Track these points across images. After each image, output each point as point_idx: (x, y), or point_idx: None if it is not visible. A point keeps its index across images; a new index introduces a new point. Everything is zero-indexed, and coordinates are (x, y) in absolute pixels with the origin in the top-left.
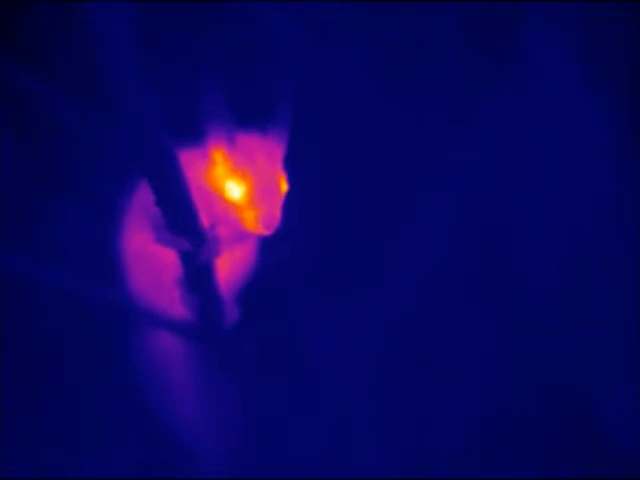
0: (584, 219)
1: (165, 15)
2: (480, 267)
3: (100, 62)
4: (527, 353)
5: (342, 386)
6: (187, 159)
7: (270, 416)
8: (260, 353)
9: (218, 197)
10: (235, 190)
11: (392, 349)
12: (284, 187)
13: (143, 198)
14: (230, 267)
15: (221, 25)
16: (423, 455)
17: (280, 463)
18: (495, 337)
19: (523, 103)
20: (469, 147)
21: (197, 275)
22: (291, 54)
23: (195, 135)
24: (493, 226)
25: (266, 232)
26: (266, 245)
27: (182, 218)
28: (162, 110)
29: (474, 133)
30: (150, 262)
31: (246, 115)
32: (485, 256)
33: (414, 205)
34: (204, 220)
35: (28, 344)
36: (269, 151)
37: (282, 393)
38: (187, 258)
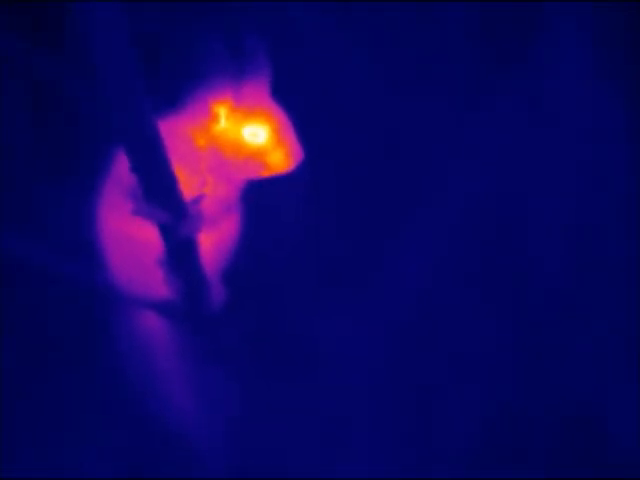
0: (594, 220)
1: None
2: (486, 266)
3: (78, 21)
4: (529, 353)
5: (336, 373)
6: (181, 120)
7: (262, 402)
8: (249, 337)
9: (232, 150)
10: (259, 134)
11: (393, 336)
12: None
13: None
14: (216, 245)
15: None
16: (424, 455)
17: (271, 454)
18: (499, 336)
19: (533, 102)
20: (478, 145)
21: (179, 252)
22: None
23: (188, 95)
24: (501, 225)
25: (293, 168)
26: (257, 223)
27: (159, 186)
28: (146, 72)
29: (483, 132)
30: (133, 241)
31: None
32: (491, 255)
33: (421, 201)
34: (211, 182)
35: (12, 331)
36: (264, 93)
37: (274, 380)
38: (167, 232)
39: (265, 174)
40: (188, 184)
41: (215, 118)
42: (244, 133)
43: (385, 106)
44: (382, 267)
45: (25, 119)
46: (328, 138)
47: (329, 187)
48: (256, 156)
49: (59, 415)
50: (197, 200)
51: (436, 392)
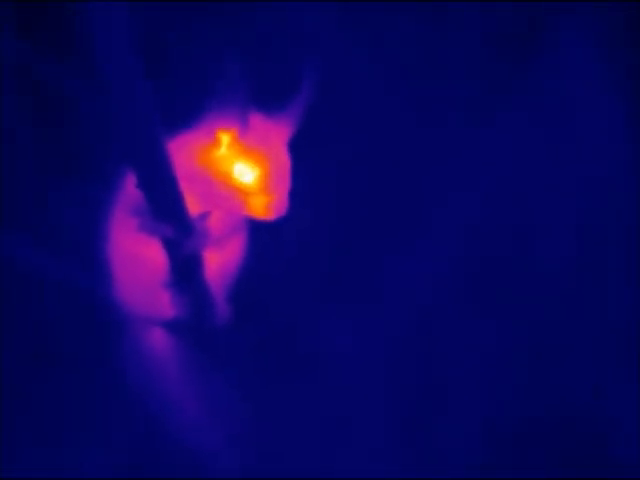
0: (594, 220)
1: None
2: (485, 266)
3: (86, 32)
4: (529, 353)
5: (340, 387)
6: (185, 139)
7: (263, 408)
8: (252, 348)
9: (221, 180)
10: (247, 174)
11: (395, 351)
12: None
13: (129, 186)
14: (222, 263)
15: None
16: (424, 455)
17: (278, 463)
18: (499, 336)
19: (534, 103)
20: (485, 149)
21: (184, 269)
22: (314, 39)
23: (199, 115)
24: (501, 225)
25: (274, 218)
26: (262, 240)
27: (164, 201)
28: (157, 87)
29: (490, 135)
30: (139, 257)
31: (262, 96)
32: (491, 255)
33: (427, 204)
34: (198, 205)
35: (13, 332)
36: (282, 134)
37: (276, 389)
38: (172, 248)
39: (244, 213)
40: (194, 201)
41: (217, 143)
42: (234, 167)
43: (385, 108)
44: (383, 274)
45: (30, 124)
46: (328, 141)
47: (329, 199)
48: (238, 194)
49: (59, 415)
50: (203, 217)
51: (436, 392)
